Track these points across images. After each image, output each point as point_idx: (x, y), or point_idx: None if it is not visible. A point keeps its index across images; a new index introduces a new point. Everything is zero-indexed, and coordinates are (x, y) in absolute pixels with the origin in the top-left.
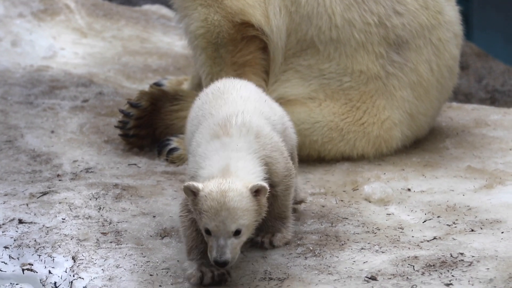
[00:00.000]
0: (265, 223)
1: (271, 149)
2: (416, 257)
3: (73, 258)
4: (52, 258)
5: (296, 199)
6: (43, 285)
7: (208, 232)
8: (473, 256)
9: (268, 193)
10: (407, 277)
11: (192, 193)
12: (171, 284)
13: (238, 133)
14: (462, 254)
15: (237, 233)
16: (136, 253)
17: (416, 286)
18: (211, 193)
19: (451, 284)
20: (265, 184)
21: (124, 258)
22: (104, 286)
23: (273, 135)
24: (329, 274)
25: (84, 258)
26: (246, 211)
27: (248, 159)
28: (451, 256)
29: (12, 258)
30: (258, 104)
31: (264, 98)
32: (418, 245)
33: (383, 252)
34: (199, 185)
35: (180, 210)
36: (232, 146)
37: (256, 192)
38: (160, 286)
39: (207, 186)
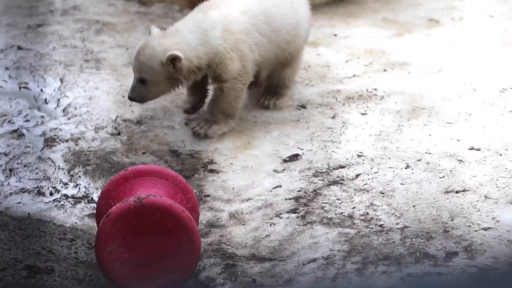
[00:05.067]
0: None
1: (231, 46)
2: (338, 90)
3: (60, 79)
4: (44, 79)
5: None
6: (36, 101)
7: None
8: (384, 91)
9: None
10: (331, 107)
11: None
12: (139, 105)
13: (213, 18)
14: (375, 89)
15: (142, 81)
16: (112, 78)
17: (338, 114)
18: (141, 44)
19: (365, 113)
20: (180, 54)
21: (102, 81)
22: (85, 103)
23: (244, 38)
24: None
25: (69, 80)
26: (152, 69)
27: (198, 38)
28: (367, 90)
29: (11, 77)
30: (257, 6)
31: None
32: (340, 81)
33: (312, 86)
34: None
35: None
36: (197, 21)
37: (173, 60)
38: (130, 106)
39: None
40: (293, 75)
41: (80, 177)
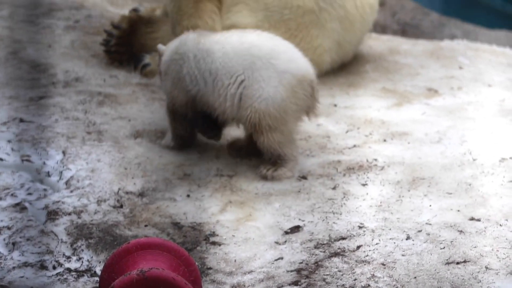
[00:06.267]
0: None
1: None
2: (339, 161)
3: (63, 152)
4: (46, 152)
5: None
6: (38, 174)
7: None
8: (384, 162)
9: None
10: (332, 178)
11: None
12: (141, 177)
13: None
14: (376, 160)
15: None
16: (114, 150)
17: (339, 185)
18: None
19: (366, 184)
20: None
21: (104, 154)
22: (87, 176)
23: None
24: None
25: (72, 152)
26: None
27: None
28: (367, 161)
29: (14, 150)
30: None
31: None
32: (341, 151)
33: (313, 156)
34: None
35: None
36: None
37: None
38: (132, 178)
39: None
40: (284, 142)
41: (83, 250)
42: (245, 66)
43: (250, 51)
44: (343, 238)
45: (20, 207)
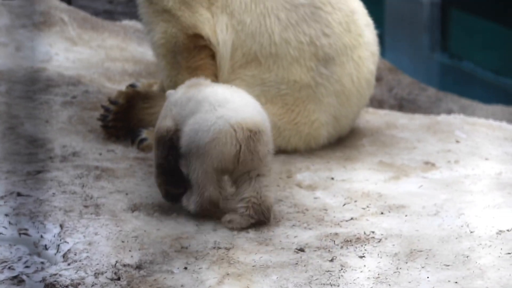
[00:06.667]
0: None
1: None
2: (336, 233)
3: (60, 225)
4: (44, 225)
5: None
6: (36, 247)
7: None
8: (382, 234)
9: None
10: (329, 250)
11: None
12: (139, 250)
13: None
14: (373, 232)
15: None
16: (111, 223)
17: (336, 257)
18: None
19: (364, 256)
20: None
21: (101, 227)
22: (85, 249)
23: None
24: (266, 245)
25: (69, 226)
26: None
27: None
28: (365, 233)
29: (11, 224)
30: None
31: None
32: (338, 224)
33: (310, 229)
34: None
35: None
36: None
37: None
38: (129, 251)
39: None
40: (198, 178)
41: None
42: (193, 110)
43: (204, 97)
44: None
45: (17, 280)
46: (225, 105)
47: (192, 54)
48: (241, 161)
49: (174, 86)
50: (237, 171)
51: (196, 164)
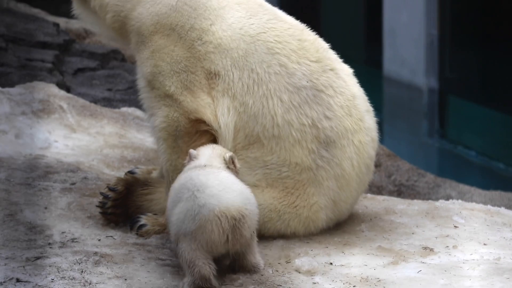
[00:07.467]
0: None
1: None
2: None
3: None
4: None
5: None
6: None
7: None
8: None
9: None
10: None
11: None
12: None
13: None
14: None
15: None
16: None
17: None
18: None
19: None
20: None
21: None
22: None
23: None
24: None
25: None
26: None
27: None
28: None
29: None
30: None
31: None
32: None
33: None
34: None
35: None
36: None
37: None
38: None
39: None
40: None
41: None
42: (175, 200)
43: (181, 184)
44: None
45: None
46: (204, 190)
47: (193, 139)
48: (230, 246)
49: (174, 170)
50: (225, 251)
51: (184, 246)
